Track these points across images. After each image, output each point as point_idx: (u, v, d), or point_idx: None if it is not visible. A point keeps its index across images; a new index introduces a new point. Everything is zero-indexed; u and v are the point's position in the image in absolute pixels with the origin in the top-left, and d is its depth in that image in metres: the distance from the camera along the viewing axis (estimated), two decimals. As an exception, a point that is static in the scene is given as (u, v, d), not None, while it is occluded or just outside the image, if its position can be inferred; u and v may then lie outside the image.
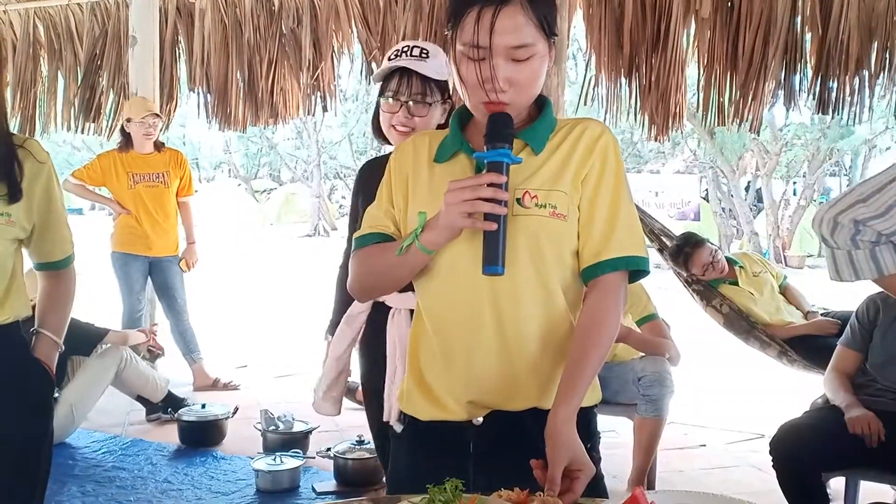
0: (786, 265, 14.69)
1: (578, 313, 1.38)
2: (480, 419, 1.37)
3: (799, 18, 3.25)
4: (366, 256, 1.43)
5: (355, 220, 2.27)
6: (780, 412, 4.11)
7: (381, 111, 2.16)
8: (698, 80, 3.68)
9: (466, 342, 1.36)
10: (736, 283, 4.06)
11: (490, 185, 1.23)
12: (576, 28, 4.23)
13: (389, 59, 2.14)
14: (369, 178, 2.21)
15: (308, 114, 4.42)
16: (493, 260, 1.25)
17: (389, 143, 2.20)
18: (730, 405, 5.11)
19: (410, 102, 2.11)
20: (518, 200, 1.32)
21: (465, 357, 1.36)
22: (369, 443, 3.70)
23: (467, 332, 1.36)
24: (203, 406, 4.13)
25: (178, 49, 5.33)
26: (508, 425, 1.36)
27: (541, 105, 1.41)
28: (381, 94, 2.14)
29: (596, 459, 1.40)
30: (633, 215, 1.40)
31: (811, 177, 17.34)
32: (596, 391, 1.43)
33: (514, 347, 1.35)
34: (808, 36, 3.27)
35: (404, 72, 2.11)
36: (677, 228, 4.96)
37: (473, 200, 1.23)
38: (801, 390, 4.23)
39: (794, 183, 18.96)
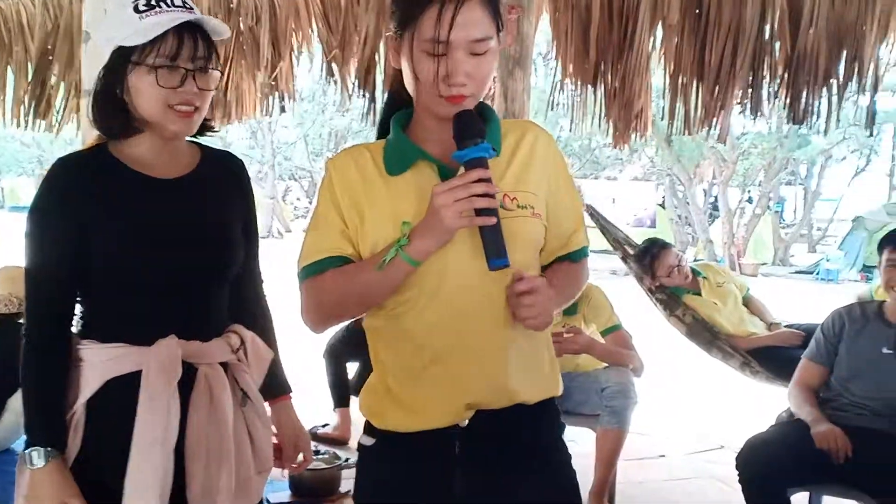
0: (740, 272, 14.91)
1: None
2: (466, 421, 1.35)
3: (768, 27, 3.23)
4: (330, 281, 1.35)
5: None
6: (739, 423, 4.12)
7: (142, 86, 1.44)
8: (664, 88, 3.65)
9: (460, 346, 1.34)
10: (699, 294, 4.06)
11: (479, 180, 1.23)
12: (541, 33, 4.18)
13: (141, 11, 1.43)
14: None
15: (265, 114, 4.30)
16: (498, 253, 1.25)
17: (130, 133, 1.51)
18: (688, 415, 5.11)
19: (196, 71, 1.46)
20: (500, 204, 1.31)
21: (458, 361, 1.34)
22: (325, 453, 3.61)
23: (460, 337, 1.33)
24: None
25: (132, 45, 5.16)
26: (493, 423, 1.36)
27: (482, 108, 1.40)
28: (140, 61, 1.43)
29: (568, 456, 1.45)
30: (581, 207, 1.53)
31: (767, 185, 17.67)
32: (558, 382, 1.46)
33: (505, 345, 1.35)
34: (777, 45, 3.25)
35: (181, 28, 1.43)
36: (634, 235, 4.97)
37: (469, 198, 1.22)
38: (759, 401, 4.25)
39: (750, 191, 19.29)
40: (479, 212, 1.23)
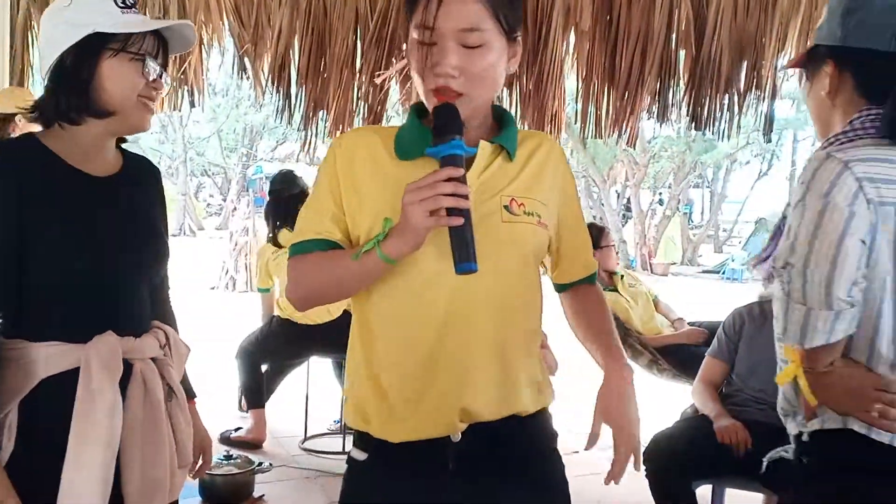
0: (651, 272, 15.34)
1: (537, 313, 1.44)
2: (459, 436, 1.32)
3: (674, 35, 3.33)
4: (312, 264, 1.33)
5: None
6: (647, 419, 4.23)
7: (122, 73, 1.49)
8: (577, 92, 3.71)
9: (450, 353, 1.31)
10: (615, 291, 4.18)
11: (449, 179, 1.19)
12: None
13: (121, 6, 1.51)
14: None
15: (174, 109, 4.17)
16: (465, 257, 1.20)
17: (81, 119, 1.50)
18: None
19: (163, 72, 1.56)
20: (506, 207, 1.31)
21: (449, 369, 1.31)
22: (238, 458, 3.54)
23: (449, 344, 1.31)
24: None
25: (31, 35, 4.92)
26: (487, 438, 1.34)
27: (501, 113, 1.39)
28: (124, 49, 1.49)
29: (562, 465, 1.46)
30: None
31: (676, 188, 18.23)
32: (551, 390, 1.46)
33: (496, 354, 1.33)
34: (682, 53, 3.35)
35: (154, 31, 1.53)
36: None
37: (434, 197, 1.18)
38: (666, 398, 4.38)
39: (661, 193, 19.86)
40: (451, 212, 1.19)
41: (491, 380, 1.33)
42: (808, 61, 1.60)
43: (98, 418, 1.44)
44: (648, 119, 3.58)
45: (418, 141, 1.32)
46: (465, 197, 1.19)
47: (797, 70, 1.69)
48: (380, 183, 1.32)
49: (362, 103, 3.74)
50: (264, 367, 4.38)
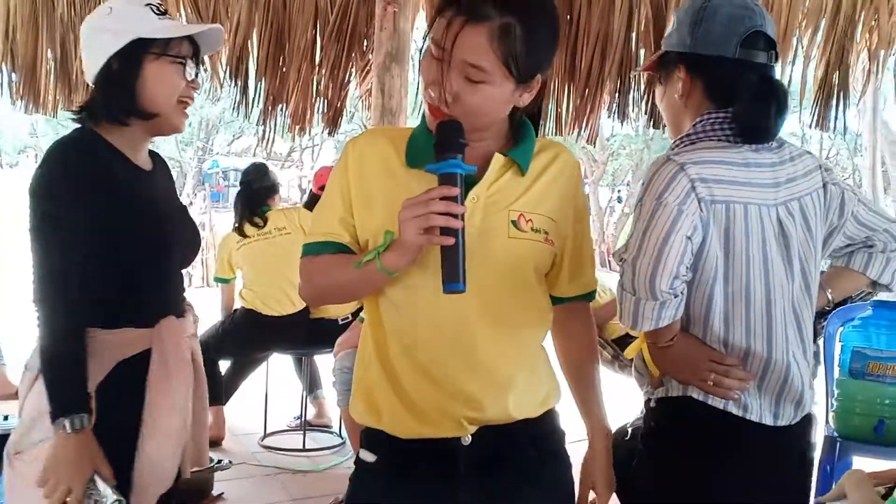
0: (610, 269, 15.51)
1: (547, 325, 1.48)
2: (469, 438, 1.35)
3: (634, 35, 3.37)
4: (321, 267, 1.37)
5: None
6: (608, 413, 4.29)
7: (164, 75, 1.59)
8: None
9: (455, 363, 1.33)
10: None
11: (443, 198, 1.20)
12: (417, 30, 4.19)
13: (157, 13, 1.60)
14: None
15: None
16: (453, 277, 1.21)
17: (139, 117, 1.61)
18: (566, 407, 5.27)
19: (199, 73, 1.68)
20: (514, 223, 1.32)
21: (454, 378, 1.33)
22: (195, 456, 3.50)
23: (452, 352, 1.33)
24: (6, 418, 3.73)
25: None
26: (499, 441, 1.36)
27: (520, 125, 1.39)
28: (165, 53, 1.58)
29: (570, 465, 1.48)
30: None
31: (635, 185, 18.46)
32: (557, 390, 1.48)
33: (501, 365, 1.35)
34: (642, 52, 3.39)
35: (187, 37, 1.63)
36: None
37: (427, 215, 1.20)
38: (627, 393, 4.44)
39: (620, 191, 20.10)
40: (444, 231, 1.20)
41: (497, 389, 1.35)
42: (661, 66, 1.71)
43: (174, 394, 1.60)
44: (608, 117, 3.62)
45: (425, 149, 1.33)
46: (459, 217, 1.20)
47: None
48: (389, 189, 1.34)
49: (321, 98, 3.72)
50: (223, 365, 4.33)
